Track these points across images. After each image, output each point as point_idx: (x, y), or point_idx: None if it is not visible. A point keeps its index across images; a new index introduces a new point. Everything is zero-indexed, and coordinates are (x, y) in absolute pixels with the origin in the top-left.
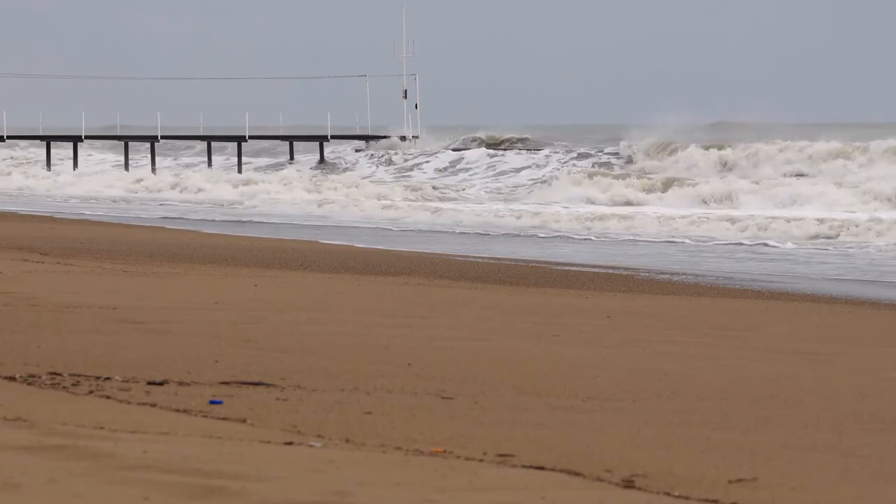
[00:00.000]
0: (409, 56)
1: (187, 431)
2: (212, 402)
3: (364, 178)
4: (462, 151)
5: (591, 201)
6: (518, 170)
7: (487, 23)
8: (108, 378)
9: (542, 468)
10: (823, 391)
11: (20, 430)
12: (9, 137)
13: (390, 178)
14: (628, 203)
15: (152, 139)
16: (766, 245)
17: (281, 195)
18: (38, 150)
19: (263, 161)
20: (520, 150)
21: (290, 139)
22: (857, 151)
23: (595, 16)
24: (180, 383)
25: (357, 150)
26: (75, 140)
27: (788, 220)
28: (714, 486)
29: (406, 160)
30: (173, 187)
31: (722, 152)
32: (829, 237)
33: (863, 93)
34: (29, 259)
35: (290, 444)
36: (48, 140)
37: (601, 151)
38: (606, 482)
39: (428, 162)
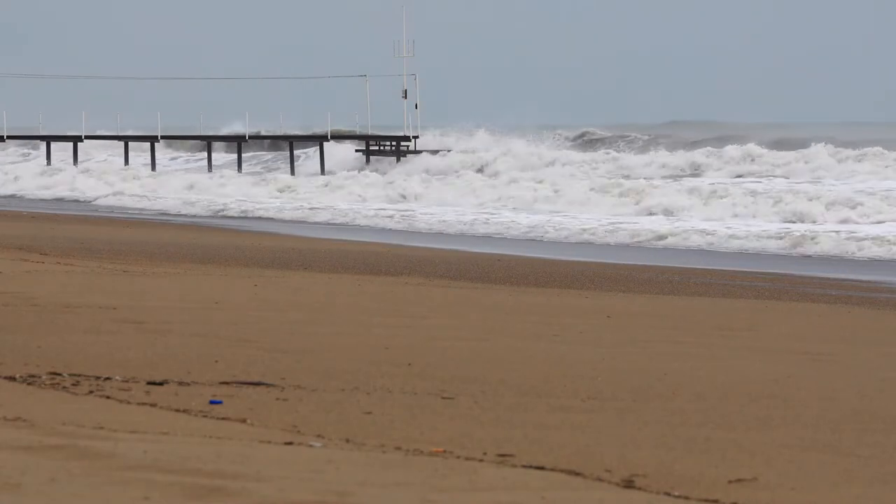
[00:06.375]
0: (409, 56)
1: (187, 431)
2: (212, 402)
3: None
4: None
5: None
6: None
7: (488, 23)
8: (108, 378)
9: (542, 468)
10: (823, 391)
11: (20, 430)
12: (9, 137)
13: None
14: None
15: (152, 139)
16: None
17: None
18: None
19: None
20: None
21: (290, 139)
22: None
23: (596, 17)
24: (180, 383)
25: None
26: (75, 140)
27: None
28: (714, 486)
29: None
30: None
31: None
32: None
33: None
34: (29, 259)
35: (290, 444)
36: (48, 140)
37: None
38: (606, 482)
39: None
